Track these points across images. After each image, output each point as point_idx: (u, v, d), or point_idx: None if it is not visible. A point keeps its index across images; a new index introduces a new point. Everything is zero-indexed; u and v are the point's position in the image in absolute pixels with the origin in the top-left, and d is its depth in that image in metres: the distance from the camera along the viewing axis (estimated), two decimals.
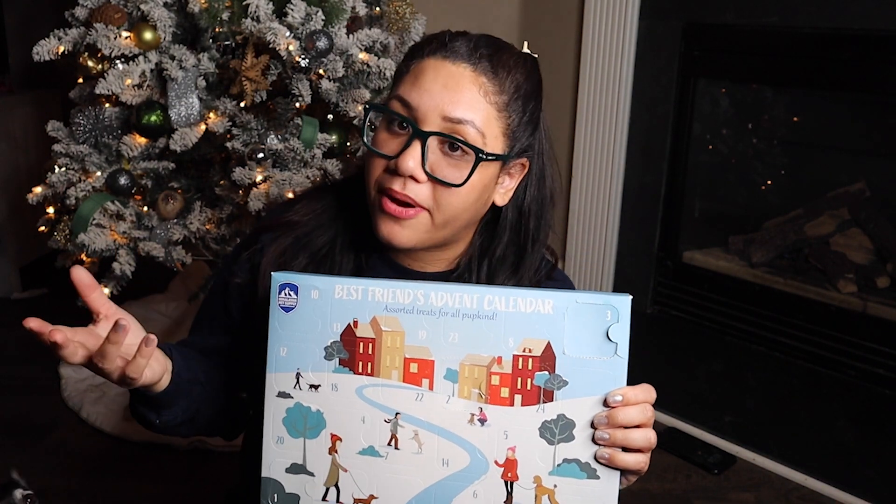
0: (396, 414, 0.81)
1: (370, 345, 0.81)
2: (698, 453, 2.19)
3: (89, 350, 0.78)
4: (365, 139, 0.93)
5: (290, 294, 0.82)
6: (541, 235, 0.98)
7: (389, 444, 0.81)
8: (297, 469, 0.83)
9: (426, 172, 0.86)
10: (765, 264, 2.34)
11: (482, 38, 0.90)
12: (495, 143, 0.89)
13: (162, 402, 0.89)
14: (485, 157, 0.87)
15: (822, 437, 2.10)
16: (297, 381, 0.82)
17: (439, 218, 0.89)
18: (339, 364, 0.82)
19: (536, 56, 0.95)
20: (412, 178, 0.86)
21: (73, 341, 0.76)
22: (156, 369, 0.84)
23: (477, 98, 0.86)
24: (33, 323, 0.74)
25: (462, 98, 0.86)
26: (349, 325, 0.81)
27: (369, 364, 0.81)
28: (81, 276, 0.79)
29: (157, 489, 1.99)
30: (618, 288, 2.48)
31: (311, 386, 0.82)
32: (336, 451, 0.82)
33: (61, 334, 0.74)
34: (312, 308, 0.82)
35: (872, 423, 2.02)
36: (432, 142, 0.87)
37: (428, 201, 0.88)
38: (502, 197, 0.95)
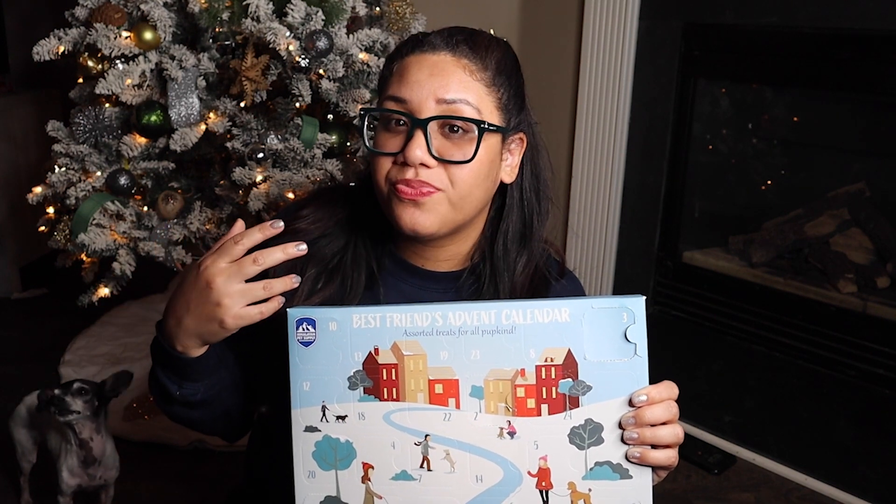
0: (426, 436, 0.82)
1: (393, 370, 0.81)
2: (698, 453, 2.19)
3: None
4: (367, 143, 0.93)
5: (307, 328, 0.83)
6: (542, 207, 1.00)
7: (422, 466, 0.82)
8: (331, 502, 0.84)
9: (434, 157, 0.87)
10: (765, 264, 2.34)
11: (454, 28, 0.93)
12: (492, 118, 0.90)
13: (190, 372, 0.89)
14: (487, 126, 0.88)
15: (822, 437, 2.10)
16: (324, 414, 0.83)
17: (455, 195, 0.89)
18: (364, 392, 0.82)
19: (507, 40, 0.98)
20: (423, 165, 0.87)
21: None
22: None
23: (464, 78, 0.88)
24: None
25: (451, 80, 0.88)
26: (370, 352, 0.82)
27: (394, 389, 0.82)
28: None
29: (157, 489, 1.99)
30: (618, 288, 2.48)
31: (338, 417, 0.83)
32: (369, 480, 0.83)
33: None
34: (332, 340, 0.82)
35: (872, 423, 2.02)
36: (432, 127, 0.88)
37: (443, 182, 0.88)
38: (509, 174, 0.97)
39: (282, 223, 0.84)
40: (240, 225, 0.86)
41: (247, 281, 0.82)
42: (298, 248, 0.83)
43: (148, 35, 1.78)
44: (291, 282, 0.83)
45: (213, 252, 0.83)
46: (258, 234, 0.83)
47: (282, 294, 0.85)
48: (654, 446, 0.80)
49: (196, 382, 0.90)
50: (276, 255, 0.82)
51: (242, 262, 0.81)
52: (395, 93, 0.90)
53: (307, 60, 1.73)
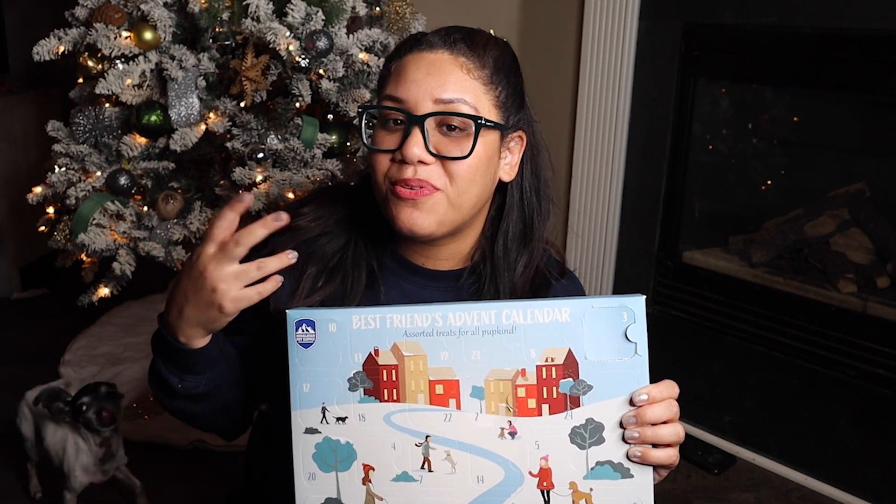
0: (427, 437, 0.82)
1: (393, 371, 0.81)
2: (698, 453, 2.19)
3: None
4: (365, 141, 0.93)
5: (307, 330, 0.82)
6: (543, 207, 1.00)
7: (422, 467, 0.82)
8: None
9: (432, 153, 0.88)
10: (765, 264, 2.33)
11: (452, 27, 0.93)
12: (489, 116, 0.90)
13: (192, 364, 0.88)
14: (483, 122, 0.88)
15: (822, 437, 2.10)
16: (324, 416, 0.83)
17: (453, 193, 0.89)
18: (364, 394, 0.82)
19: (506, 39, 0.98)
20: (421, 162, 0.87)
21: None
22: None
23: (462, 77, 0.89)
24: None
25: (448, 80, 0.88)
26: (370, 354, 0.82)
27: (394, 390, 0.82)
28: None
29: (156, 489, 1.99)
30: (618, 288, 2.48)
31: (338, 419, 0.83)
32: (370, 481, 0.83)
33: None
34: (332, 341, 0.82)
35: (872, 423, 2.02)
36: (430, 125, 0.88)
37: (441, 180, 0.89)
38: (508, 173, 0.97)
39: (285, 215, 0.82)
40: (244, 197, 0.84)
41: (242, 262, 0.81)
42: (278, 217, 0.81)
43: (148, 35, 1.78)
44: (287, 258, 0.82)
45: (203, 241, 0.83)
46: (261, 230, 0.82)
47: (283, 291, 0.84)
48: (655, 445, 0.80)
49: (197, 375, 0.90)
50: (257, 231, 0.81)
51: (226, 246, 0.81)
52: (392, 92, 0.90)
53: (307, 60, 1.73)
